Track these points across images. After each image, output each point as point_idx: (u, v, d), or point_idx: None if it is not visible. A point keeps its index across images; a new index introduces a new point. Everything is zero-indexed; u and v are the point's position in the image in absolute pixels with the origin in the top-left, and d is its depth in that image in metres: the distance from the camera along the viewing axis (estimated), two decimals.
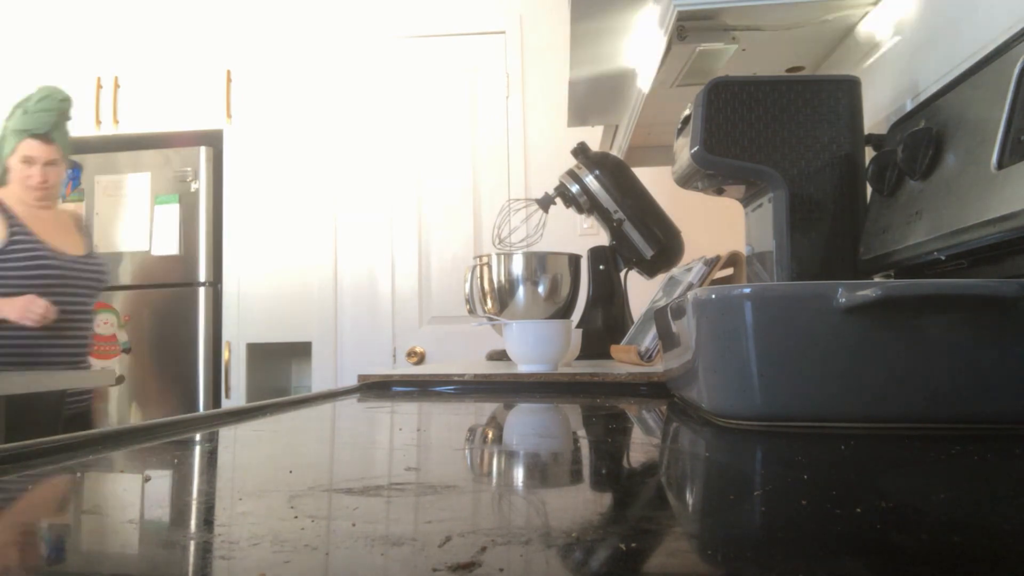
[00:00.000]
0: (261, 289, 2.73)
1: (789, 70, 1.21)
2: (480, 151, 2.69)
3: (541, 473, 0.41)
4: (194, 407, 2.65)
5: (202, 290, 2.69)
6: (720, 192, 1.04)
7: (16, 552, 0.27)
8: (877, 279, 0.81)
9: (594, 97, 1.66)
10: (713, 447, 0.47)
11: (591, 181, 1.39)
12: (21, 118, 2.05)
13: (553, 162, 2.53)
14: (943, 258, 0.68)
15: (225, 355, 2.70)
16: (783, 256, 0.89)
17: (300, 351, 2.85)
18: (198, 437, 0.54)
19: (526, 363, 0.98)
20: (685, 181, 1.02)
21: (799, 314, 0.47)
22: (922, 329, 0.45)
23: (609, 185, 1.38)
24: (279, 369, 2.98)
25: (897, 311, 0.45)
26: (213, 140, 2.80)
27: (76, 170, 2.73)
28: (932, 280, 0.46)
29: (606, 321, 1.37)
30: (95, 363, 2.67)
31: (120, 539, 0.28)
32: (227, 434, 0.56)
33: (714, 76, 0.91)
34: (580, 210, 1.43)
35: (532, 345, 0.97)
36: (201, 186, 2.71)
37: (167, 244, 2.71)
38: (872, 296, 0.44)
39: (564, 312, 1.37)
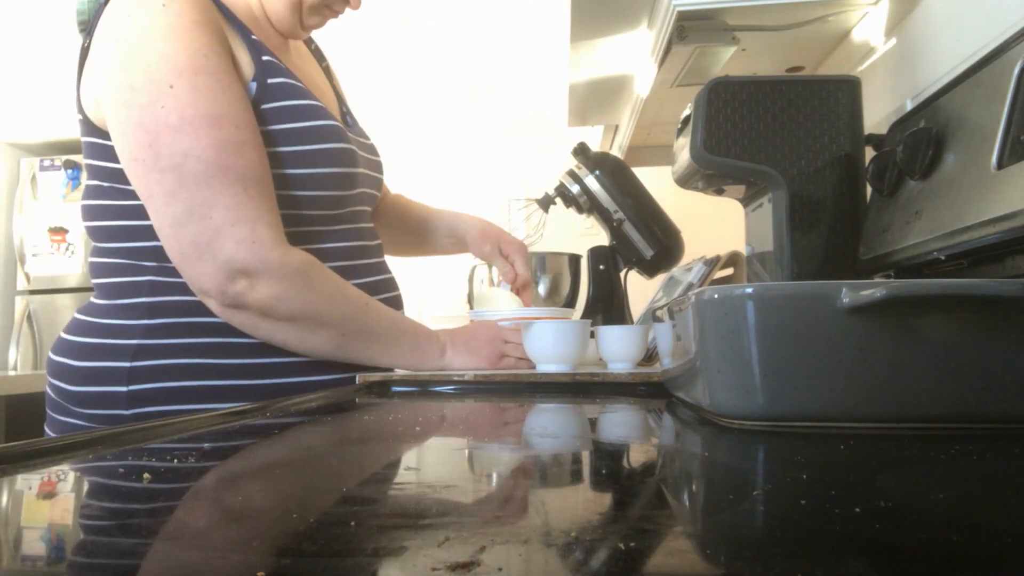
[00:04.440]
0: None
1: (789, 70, 1.21)
2: (480, 150, 2.69)
3: (541, 473, 0.41)
4: None
5: None
6: (720, 192, 1.04)
7: (16, 552, 0.27)
8: (877, 279, 0.81)
9: (594, 97, 1.66)
10: (713, 447, 0.46)
11: (591, 181, 1.39)
12: None
13: (553, 162, 2.53)
14: (943, 258, 0.68)
15: None
16: (783, 256, 0.89)
17: None
18: (198, 437, 0.54)
19: (545, 363, 0.98)
20: (685, 181, 1.02)
21: (802, 314, 0.47)
22: (925, 329, 0.45)
23: (609, 185, 1.38)
24: None
25: (901, 311, 0.45)
26: None
27: (76, 170, 2.73)
28: (937, 280, 0.46)
29: (606, 321, 1.37)
30: None
31: (120, 539, 0.28)
32: (227, 434, 0.56)
33: (714, 76, 0.91)
34: (580, 210, 1.43)
35: (552, 345, 0.97)
36: None
37: None
38: (876, 296, 0.44)
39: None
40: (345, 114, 1.05)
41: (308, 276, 0.81)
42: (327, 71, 1.09)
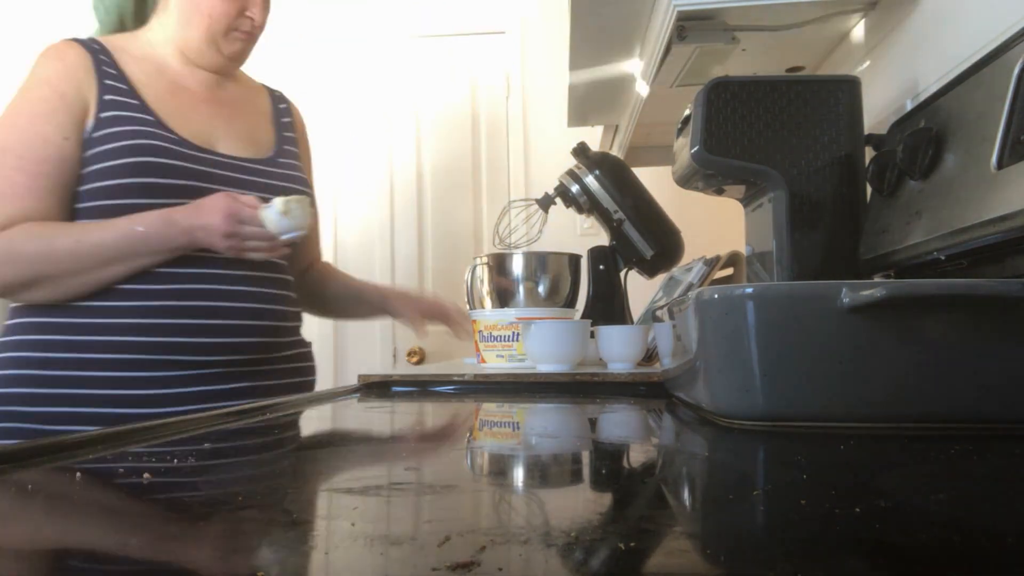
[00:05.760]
0: None
1: (789, 70, 1.21)
2: (480, 151, 2.69)
3: (541, 473, 0.41)
4: None
5: None
6: (720, 192, 1.04)
7: (16, 552, 0.27)
8: (877, 279, 0.81)
9: (594, 97, 1.66)
10: (713, 447, 0.47)
11: (591, 181, 1.39)
12: None
13: (553, 162, 2.53)
14: (943, 258, 0.68)
15: None
16: (783, 256, 0.89)
17: None
18: (198, 437, 0.54)
19: (545, 363, 0.98)
20: (685, 181, 1.02)
21: (802, 314, 0.47)
22: (925, 329, 0.45)
23: (609, 185, 1.38)
24: None
25: (901, 311, 0.45)
26: None
27: None
28: (936, 280, 0.46)
29: (606, 321, 1.37)
30: None
31: (120, 539, 0.28)
32: (227, 434, 0.56)
33: (714, 76, 0.91)
34: (580, 210, 1.43)
35: (552, 345, 0.97)
36: None
37: None
38: (876, 296, 0.44)
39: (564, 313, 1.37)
40: (278, 148, 1.19)
41: (9, 248, 0.95)
42: (277, 114, 1.25)
